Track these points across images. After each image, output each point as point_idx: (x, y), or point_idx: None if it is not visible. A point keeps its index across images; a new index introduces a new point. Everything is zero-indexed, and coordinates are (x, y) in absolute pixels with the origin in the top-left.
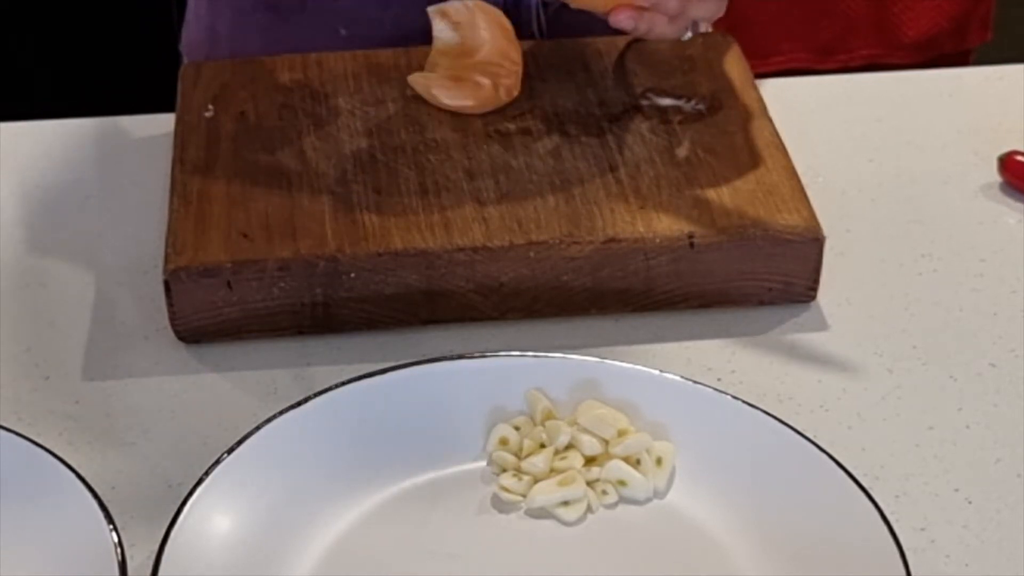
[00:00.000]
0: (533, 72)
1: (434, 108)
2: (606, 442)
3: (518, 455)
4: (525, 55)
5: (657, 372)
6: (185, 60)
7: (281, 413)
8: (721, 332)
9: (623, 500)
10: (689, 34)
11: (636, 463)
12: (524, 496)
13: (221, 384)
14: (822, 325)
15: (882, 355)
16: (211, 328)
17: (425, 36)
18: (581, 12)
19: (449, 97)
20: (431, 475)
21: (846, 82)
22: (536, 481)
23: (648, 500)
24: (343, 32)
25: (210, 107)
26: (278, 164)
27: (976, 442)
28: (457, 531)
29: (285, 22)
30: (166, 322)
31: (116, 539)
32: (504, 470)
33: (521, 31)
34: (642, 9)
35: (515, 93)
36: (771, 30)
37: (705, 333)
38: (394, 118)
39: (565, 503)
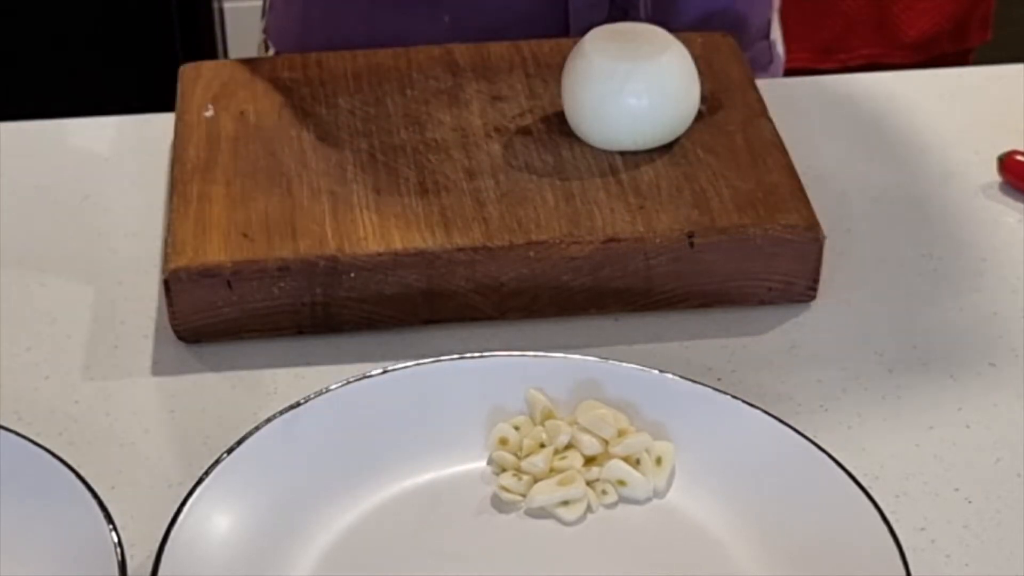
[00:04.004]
0: (533, 72)
1: (434, 108)
2: (606, 442)
3: (518, 455)
4: (525, 55)
5: (657, 372)
6: (271, 47)
7: (281, 413)
8: (721, 332)
9: (623, 500)
10: None
11: (636, 463)
12: (524, 496)
13: (221, 384)
14: (822, 325)
15: (882, 355)
16: (211, 328)
17: (523, 24)
18: None
19: None
20: (431, 475)
21: (846, 82)
22: (536, 481)
23: (648, 500)
24: (446, 19)
25: (210, 107)
26: (278, 164)
27: (976, 442)
28: (457, 531)
29: (385, 8)
30: (166, 322)
31: (116, 539)
32: (504, 470)
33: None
34: None
35: None
36: None
37: (705, 333)
38: (394, 118)
39: (565, 503)
